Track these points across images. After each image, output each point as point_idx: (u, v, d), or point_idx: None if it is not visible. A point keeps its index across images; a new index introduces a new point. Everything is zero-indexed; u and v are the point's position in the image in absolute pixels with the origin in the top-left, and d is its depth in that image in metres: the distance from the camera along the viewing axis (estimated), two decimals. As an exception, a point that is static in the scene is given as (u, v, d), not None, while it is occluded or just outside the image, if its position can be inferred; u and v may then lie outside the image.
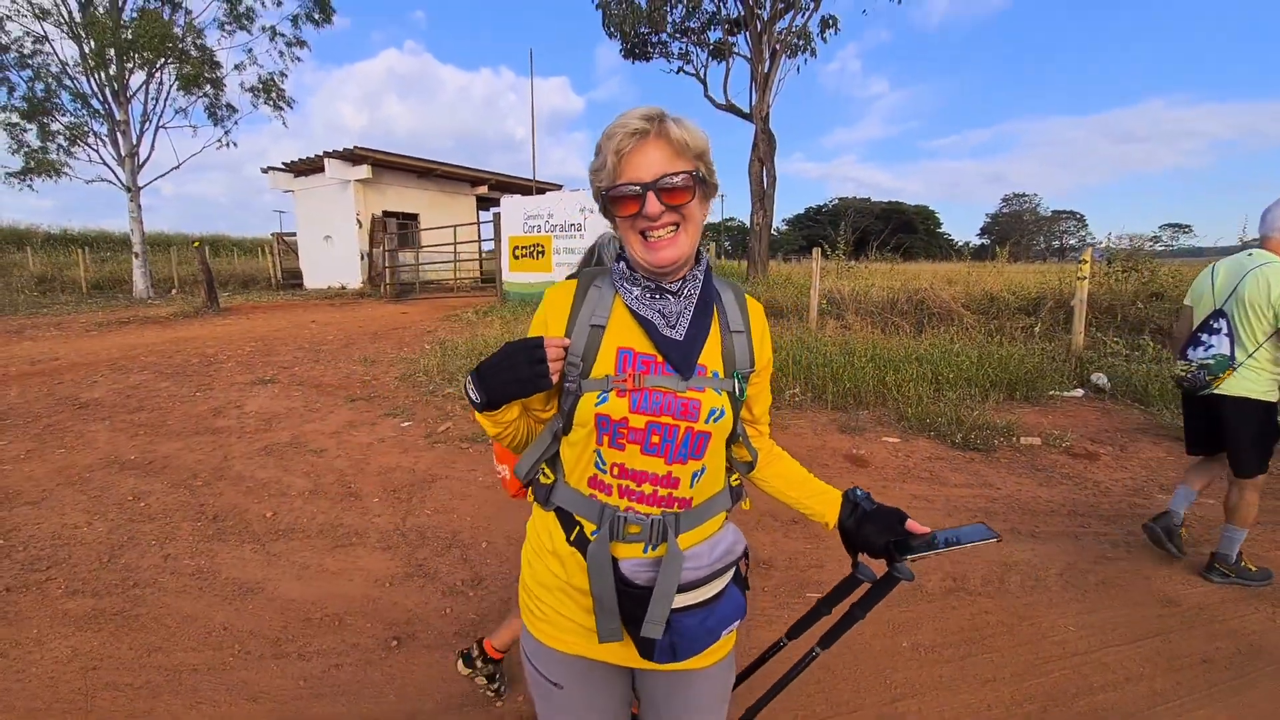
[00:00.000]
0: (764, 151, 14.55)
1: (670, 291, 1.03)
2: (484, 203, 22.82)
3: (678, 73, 16.99)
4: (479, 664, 2.13)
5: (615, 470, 1.01)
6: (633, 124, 0.95)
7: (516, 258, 11.60)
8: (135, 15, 15.26)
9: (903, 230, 52.82)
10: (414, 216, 19.79)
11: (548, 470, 1.09)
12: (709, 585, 1.01)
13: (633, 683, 1.17)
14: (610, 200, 0.99)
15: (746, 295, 1.13)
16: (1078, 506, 3.70)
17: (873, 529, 1.14)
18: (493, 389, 0.99)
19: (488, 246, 16.98)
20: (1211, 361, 2.76)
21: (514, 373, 0.97)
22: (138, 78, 15.97)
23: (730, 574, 1.06)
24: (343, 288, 18.38)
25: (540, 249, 11.07)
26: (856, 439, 4.80)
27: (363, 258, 18.24)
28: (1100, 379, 6.26)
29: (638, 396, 0.99)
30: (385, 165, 18.21)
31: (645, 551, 1.01)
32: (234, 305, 14.49)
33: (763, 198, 14.53)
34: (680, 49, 16.73)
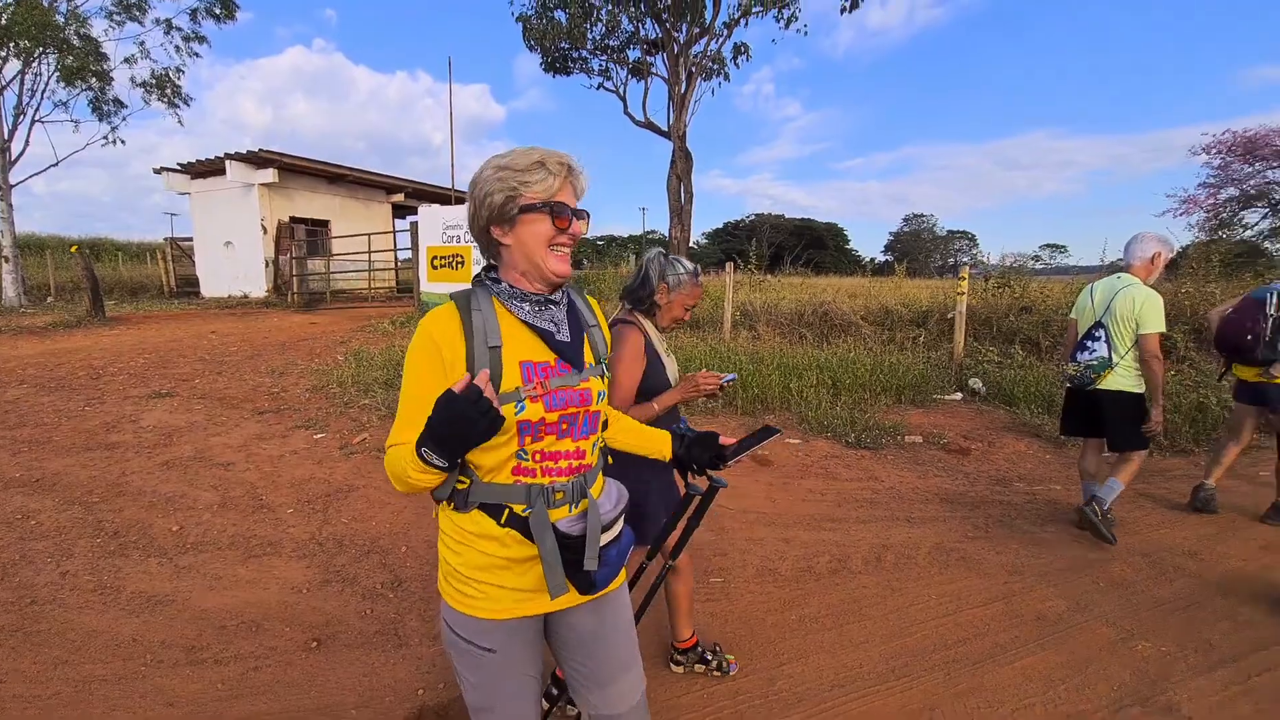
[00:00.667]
0: (681, 169, 15.11)
1: (554, 302, 1.25)
2: (400, 210, 22.25)
3: (598, 88, 17.37)
4: (685, 657, 2.35)
5: (537, 457, 1.21)
6: (567, 160, 1.18)
7: (435, 268, 11.47)
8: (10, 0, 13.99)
9: (814, 246, 55.54)
10: (324, 223, 19.04)
11: (461, 477, 1.21)
12: (616, 524, 1.26)
13: (549, 642, 1.37)
14: (554, 211, 1.16)
15: (586, 295, 1.42)
16: (948, 495, 4.19)
17: (698, 450, 1.51)
18: (455, 450, 1.06)
19: (405, 255, 16.62)
20: (1095, 363, 3.41)
21: (471, 427, 1.03)
22: (12, 67, 14.59)
23: (624, 514, 1.30)
24: (245, 296, 17.41)
25: (460, 259, 11.01)
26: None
27: (267, 265, 17.37)
28: (976, 384, 6.99)
29: (549, 399, 1.18)
30: (293, 169, 17.46)
31: (570, 510, 1.23)
32: (122, 315, 13.45)
33: (680, 213, 15.06)
34: (600, 65, 17.13)
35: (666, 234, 16.17)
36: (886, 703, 2.22)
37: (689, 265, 2.08)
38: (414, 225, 12.56)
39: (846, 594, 2.95)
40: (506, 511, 1.19)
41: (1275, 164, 23.50)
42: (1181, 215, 24.60)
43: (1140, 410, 3.38)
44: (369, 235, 17.02)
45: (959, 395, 6.78)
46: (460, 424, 1.03)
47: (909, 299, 10.72)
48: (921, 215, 66.49)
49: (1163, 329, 3.28)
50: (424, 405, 1.08)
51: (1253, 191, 24.48)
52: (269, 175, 16.85)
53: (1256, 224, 24.99)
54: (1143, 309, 3.28)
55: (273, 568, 3.12)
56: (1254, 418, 3.88)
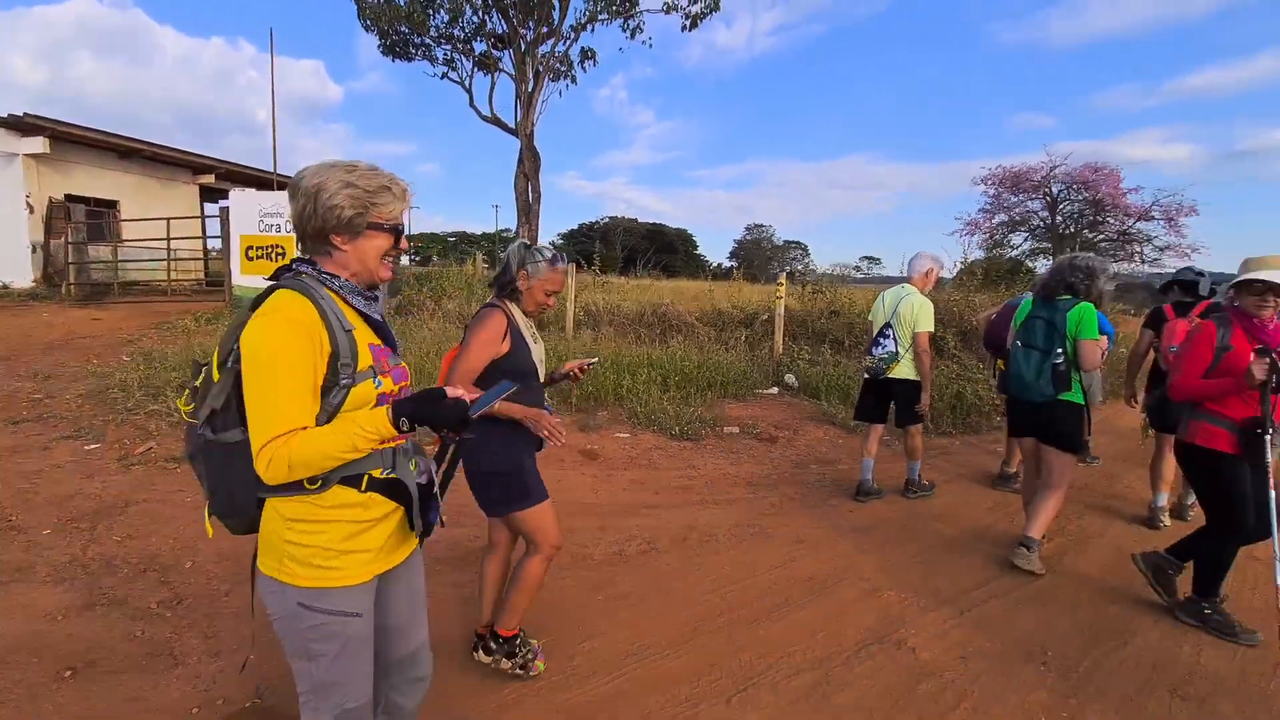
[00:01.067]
0: (529, 168, 15.04)
1: (375, 298, 1.43)
2: (212, 194, 19.79)
3: (442, 78, 16.75)
4: (494, 646, 2.33)
5: None
6: (405, 186, 1.38)
7: (250, 259, 10.38)
8: None
9: (665, 250, 57.75)
10: (112, 204, 16.43)
11: None
12: (435, 476, 1.55)
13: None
14: (398, 233, 1.38)
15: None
16: (755, 478, 4.65)
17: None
18: (426, 420, 1.27)
19: (217, 244, 14.83)
20: (886, 356, 4.14)
21: (456, 411, 1.29)
22: None
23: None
24: (4, 287, 14.55)
25: (280, 250, 10.07)
26: (592, 436, 5.37)
27: (35, 251, 14.65)
28: (790, 379, 7.75)
29: (395, 374, 1.41)
30: (71, 140, 14.84)
31: (413, 466, 1.45)
32: None
33: (529, 212, 14.99)
34: (445, 55, 16.53)
35: (516, 233, 16.00)
36: (674, 665, 2.45)
37: (548, 253, 2.19)
38: (224, 211, 11.28)
39: (652, 573, 3.19)
40: (366, 478, 1.34)
41: (1034, 195, 28.59)
42: (966, 235, 29.08)
43: (916, 393, 4.15)
44: (168, 220, 14.96)
45: (775, 390, 7.48)
46: (442, 411, 1.28)
47: (742, 302, 11.59)
48: (761, 225, 71.66)
49: (932, 329, 4.10)
50: (311, 388, 1.24)
51: (1018, 218, 29.61)
52: (37, 144, 14.16)
53: (1020, 245, 30.07)
54: (918, 313, 4.07)
55: (19, 595, 2.71)
56: None
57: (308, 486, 1.28)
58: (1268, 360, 2.52)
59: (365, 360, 1.32)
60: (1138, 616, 2.95)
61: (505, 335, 2.11)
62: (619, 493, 4.22)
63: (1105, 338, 3.50)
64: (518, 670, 2.31)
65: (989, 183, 28.71)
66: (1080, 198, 27.71)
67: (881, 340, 4.18)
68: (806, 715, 2.22)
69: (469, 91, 16.36)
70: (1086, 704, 2.31)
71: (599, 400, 6.23)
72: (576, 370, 2.46)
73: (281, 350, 1.21)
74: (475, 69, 16.35)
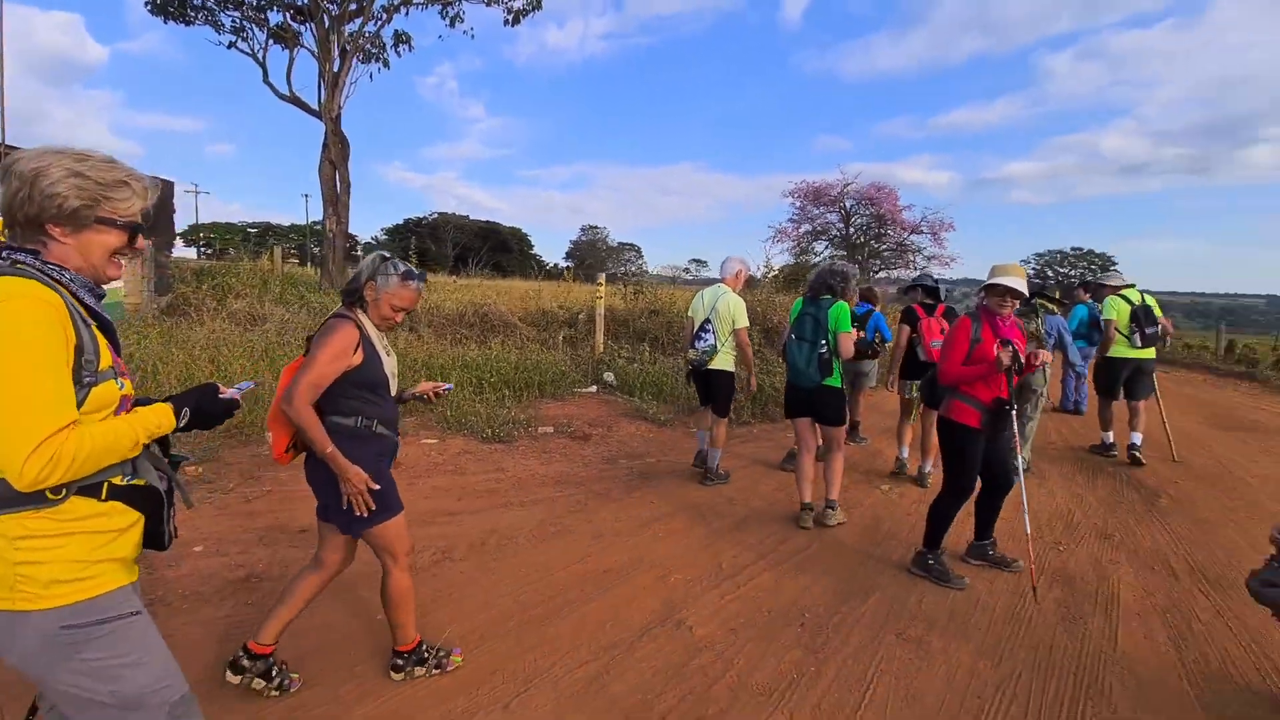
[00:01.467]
0: (336, 154, 13.81)
1: (102, 296, 1.31)
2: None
3: (230, 47, 14.80)
4: (247, 664, 2.18)
5: None
6: (147, 182, 1.28)
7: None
8: None
9: (499, 249, 56.41)
10: None
11: None
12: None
13: None
14: (135, 231, 1.26)
15: None
16: (564, 477, 4.67)
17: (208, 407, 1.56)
18: (208, 415, 1.39)
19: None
20: (707, 349, 4.53)
21: (232, 407, 1.44)
22: None
23: None
24: None
25: None
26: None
27: None
28: (609, 377, 7.93)
29: (131, 376, 1.35)
30: None
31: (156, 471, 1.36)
32: None
33: (336, 203, 13.76)
34: (234, 22, 14.61)
35: (323, 225, 14.60)
36: (452, 678, 2.36)
37: (401, 267, 2.11)
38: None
39: (444, 583, 3.06)
40: (106, 486, 1.22)
41: (832, 209, 32.33)
42: (778, 242, 32.10)
43: (732, 385, 4.66)
44: None
45: (594, 388, 7.61)
46: (215, 405, 1.39)
47: (569, 302, 11.65)
48: (595, 227, 72.90)
49: (748, 324, 4.62)
50: (67, 376, 1.12)
51: (819, 228, 33.24)
52: None
53: (822, 252, 33.72)
54: (735, 310, 4.55)
55: None
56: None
57: (50, 497, 1.15)
58: (1010, 349, 3.12)
59: (107, 359, 1.22)
60: (881, 574, 3.40)
61: (357, 347, 2.02)
62: (419, 501, 4.00)
63: (858, 331, 4.13)
64: (434, 671, 2.36)
65: (795, 195, 32.07)
66: (868, 212, 31.95)
67: (702, 335, 4.57)
68: (585, 706, 2.25)
69: (263, 66, 14.61)
70: (831, 656, 2.62)
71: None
72: (431, 393, 2.44)
73: (41, 335, 1.09)
74: (270, 41, 14.64)
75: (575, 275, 17.36)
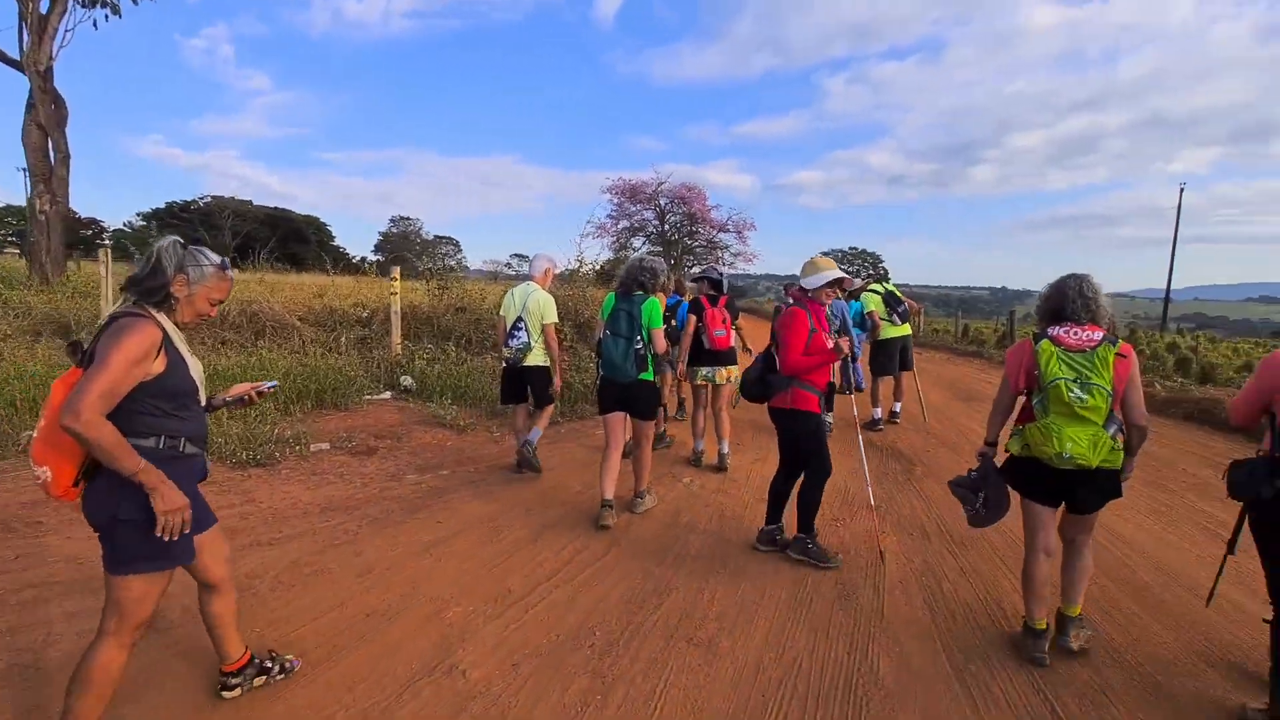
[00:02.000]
0: (48, 118, 11.08)
1: None
2: None
3: None
4: (242, 677, 2.16)
5: None
6: None
7: None
8: None
9: (294, 239, 50.28)
10: None
11: None
12: None
13: None
14: None
15: None
16: (335, 502, 4.02)
17: None
18: None
19: None
20: (522, 346, 4.56)
21: None
22: None
23: None
24: None
25: None
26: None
27: None
28: (407, 380, 7.20)
29: None
30: None
31: None
32: None
33: (49, 177, 11.05)
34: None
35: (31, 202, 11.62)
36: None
37: (214, 257, 1.91)
38: None
39: (144, 661, 2.36)
40: None
41: (648, 206, 33.40)
42: (598, 238, 32.38)
43: (549, 378, 4.69)
44: None
45: (388, 394, 6.85)
46: None
47: (365, 299, 10.48)
48: (407, 218, 68.05)
49: (557, 320, 4.67)
50: None
51: (637, 225, 34.18)
52: None
53: (639, 248, 34.70)
54: (544, 307, 4.56)
55: None
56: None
57: None
58: (847, 339, 3.59)
59: None
60: (679, 571, 3.32)
61: (159, 351, 1.75)
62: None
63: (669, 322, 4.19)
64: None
65: (613, 192, 32.65)
66: (681, 211, 33.56)
67: (516, 333, 4.59)
68: (313, 803, 1.81)
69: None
70: (619, 677, 2.42)
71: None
72: (252, 394, 2.21)
73: None
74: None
75: (383, 270, 15.80)
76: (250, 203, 52.62)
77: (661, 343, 3.88)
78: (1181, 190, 30.90)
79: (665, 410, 5.77)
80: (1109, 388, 2.34)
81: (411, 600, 2.91)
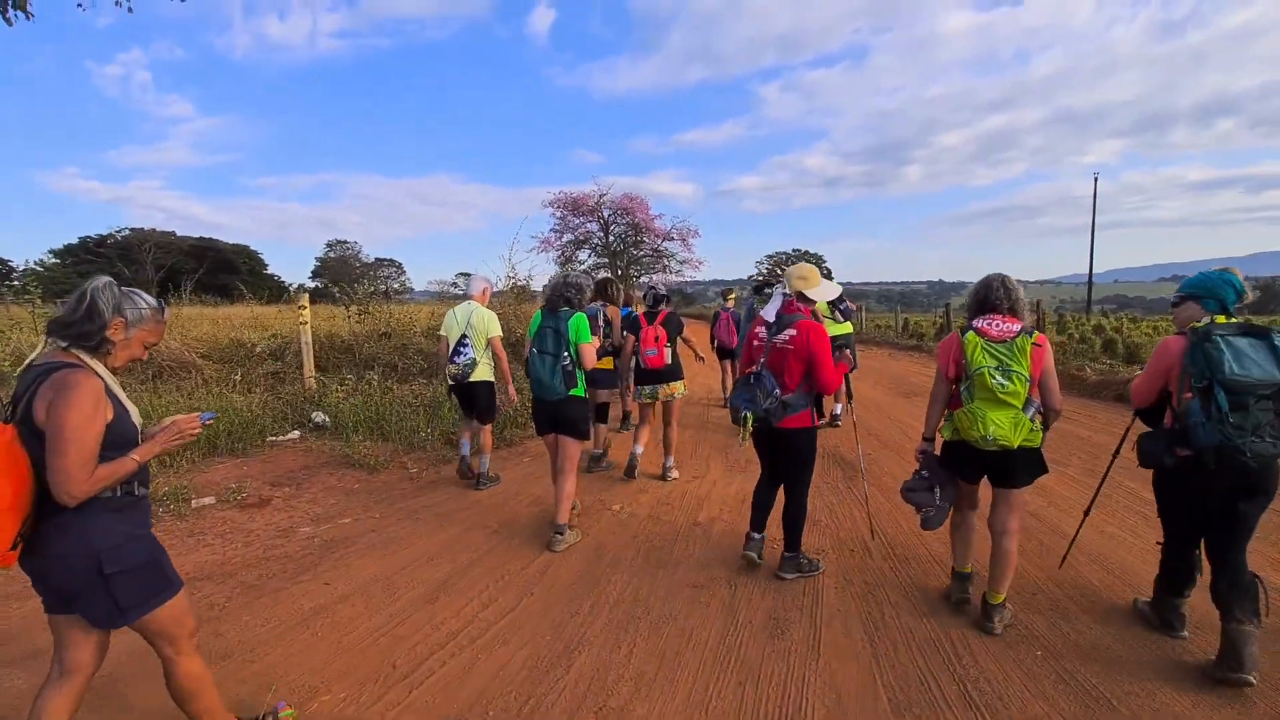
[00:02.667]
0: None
1: None
2: None
3: None
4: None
5: None
6: None
7: None
8: None
9: (223, 269, 47.99)
10: None
11: None
12: None
13: None
14: None
15: None
16: (205, 570, 3.51)
17: None
18: None
19: None
20: (468, 363, 4.65)
21: None
22: None
23: None
24: None
25: None
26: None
27: None
28: (319, 417, 6.64)
29: None
30: None
31: None
32: None
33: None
34: None
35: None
36: None
37: (150, 299, 1.87)
38: None
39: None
40: None
41: (591, 219, 33.05)
42: (542, 252, 31.92)
43: (493, 393, 4.83)
44: None
45: (296, 433, 6.28)
46: None
47: (279, 328, 9.77)
48: (345, 241, 65.93)
49: (501, 333, 4.84)
50: None
51: (581, 237, 33.78)
52: None
53: (585, 260, 34.30)
54: (488, 322, 4.75)
55: None
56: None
57: None
58: (847, 349, 3.92)
59: None
60: (594, 622, 2.95)
61: (105, 401, 1.69)
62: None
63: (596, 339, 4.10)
64: None
65: (555, 205, 32.17)
66: (625, 221, 33.31)
67: (461, 350, 4.68)
68: None
69: None
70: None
71: None
72: (191, 428, 2.00)
73: None
74: None
75: (316, 297, 14.90)
76: (174, 234, 50.05)
77: (590, 359, 3.73)
78: (1096, 179, 32.92)
79: (596, 430, 5.44)
80: (1027, 374, 2.54)
81: (271, 690, 2.45)
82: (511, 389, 4.97)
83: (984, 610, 2.82)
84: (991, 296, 2.69)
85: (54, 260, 47.82)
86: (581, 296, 3.84)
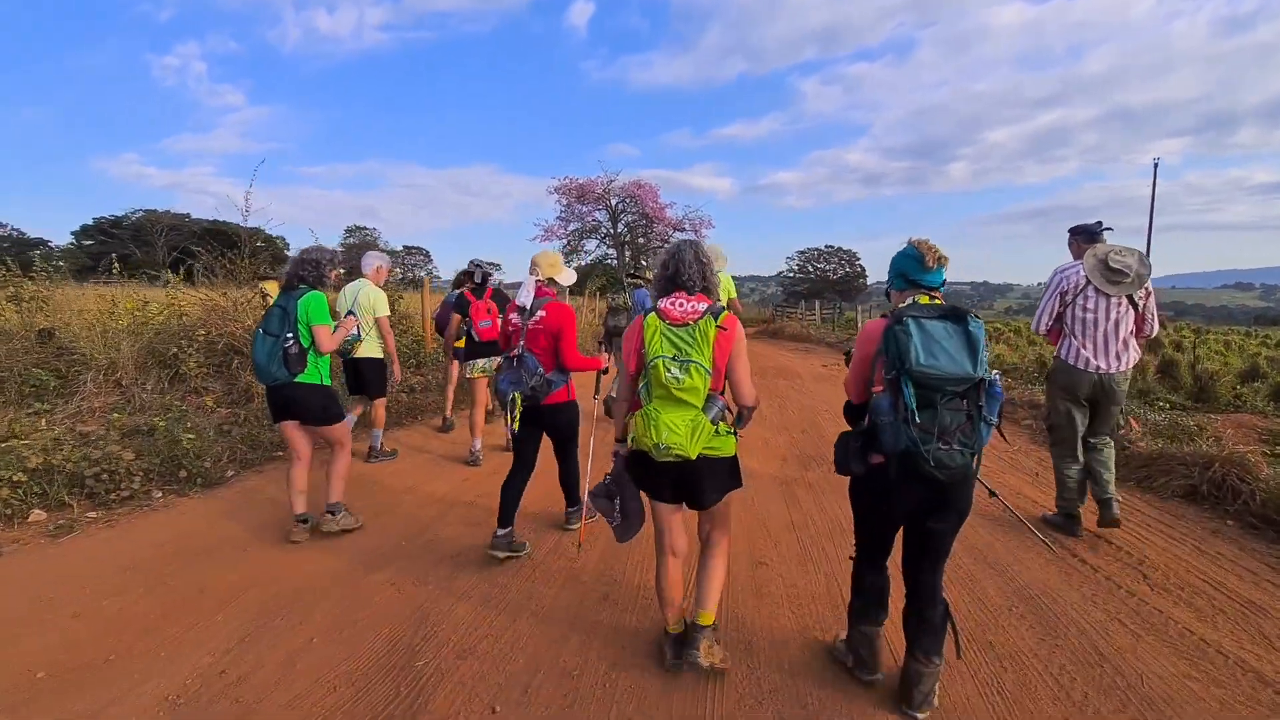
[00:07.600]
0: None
1: None
2: None
3: None
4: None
5: None
6: None
7: None
8: None
9: (236, 252, 48.69)
10: None
11: None
12: None
13: None
14: None
15: None
16: None
17: None
18: None
19: None
20: (351, 339, 4.75)
21: None
22: None
23: None
24: None
25: None
26: None
27: None
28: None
29: None
30: None
31: None
32: None
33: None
34: None
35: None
36: None
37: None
38: None
39: None
40: None
41: (598, 206, 32.30)
42: (547, 241, 31.37)
43: (381, 368, 5.05)
44: None
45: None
46: None
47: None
48: (365, 228, 66.48)
49: (389, 314, 5.02)
50: None
51: (589, 226, 33.05)
52: None
53: (593, 250, 33.59)
54: (375, 301, 4.91)
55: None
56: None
57: None
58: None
59: None
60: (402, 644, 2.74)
61: None
62: None
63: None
64: None
65: (560, 193, 31.53)
66: (635, 210, 32.49)
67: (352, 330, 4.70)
68: None
69: None
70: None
71: None
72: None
73: None
74: None
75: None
76: (188, 216, 50.90)
77: (325, 341, 3.46)
78: (1156, 165, 23.70)
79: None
80: (708, 365, 2.08)
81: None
82: (397, 366, 5.12)
83: (687, 634, 2.34)
84: (684, 267, 2.24)
85: (88, 241, 49.45)
86: (319, 273, 3.55)
